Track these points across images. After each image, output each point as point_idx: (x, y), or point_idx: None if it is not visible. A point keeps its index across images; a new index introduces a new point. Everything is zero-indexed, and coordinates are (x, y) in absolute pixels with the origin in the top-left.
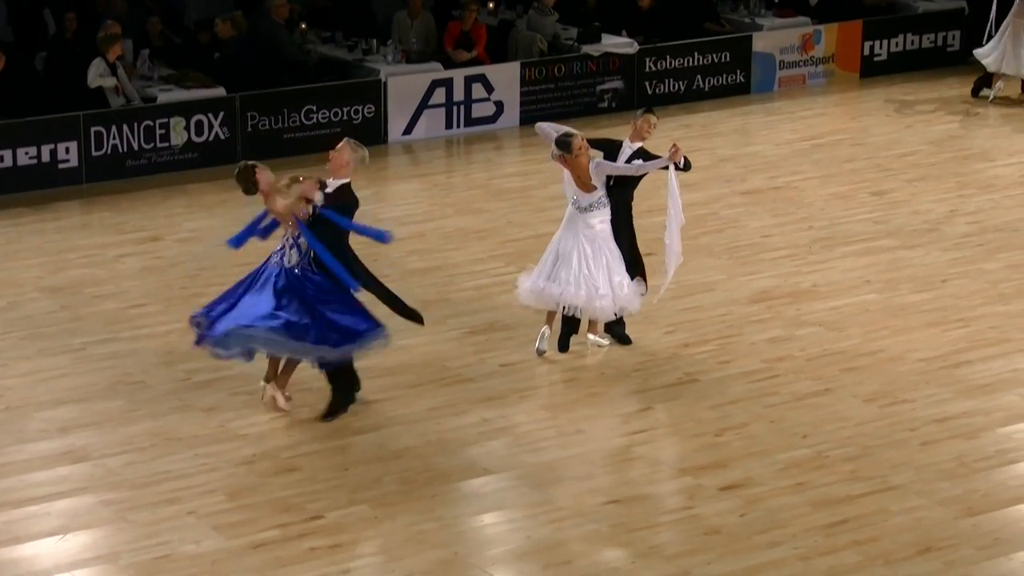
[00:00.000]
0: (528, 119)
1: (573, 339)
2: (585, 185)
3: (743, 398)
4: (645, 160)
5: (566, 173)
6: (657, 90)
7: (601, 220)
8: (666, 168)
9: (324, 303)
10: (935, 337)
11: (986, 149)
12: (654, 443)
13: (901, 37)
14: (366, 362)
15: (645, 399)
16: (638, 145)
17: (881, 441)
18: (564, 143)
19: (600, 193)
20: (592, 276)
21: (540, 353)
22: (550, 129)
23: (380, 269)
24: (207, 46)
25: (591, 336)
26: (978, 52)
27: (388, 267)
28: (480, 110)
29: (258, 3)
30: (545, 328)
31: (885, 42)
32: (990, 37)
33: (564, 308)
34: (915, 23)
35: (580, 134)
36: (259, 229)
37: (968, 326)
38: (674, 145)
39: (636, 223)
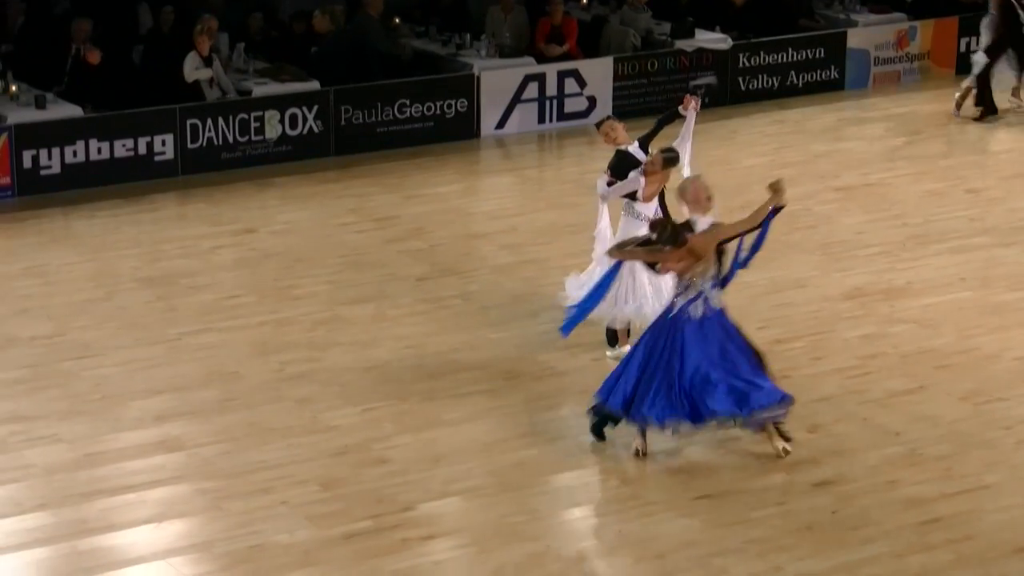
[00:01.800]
0: (621, 114)
1: None
2: (650, 197)
3: (835, 395)
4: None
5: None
6: (750, 86)
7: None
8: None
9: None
10: None
11: None
12: (747, 439)
13: None
14: (457, 356)
15: None
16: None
17: (975, 439)
18: (672, 159)
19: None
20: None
21: None
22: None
23: (471, 263)
24: (302, 37)
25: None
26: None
27: (479, 261)
28: (572, 105)
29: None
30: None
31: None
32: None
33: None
34: None
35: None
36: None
37: None
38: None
39: None
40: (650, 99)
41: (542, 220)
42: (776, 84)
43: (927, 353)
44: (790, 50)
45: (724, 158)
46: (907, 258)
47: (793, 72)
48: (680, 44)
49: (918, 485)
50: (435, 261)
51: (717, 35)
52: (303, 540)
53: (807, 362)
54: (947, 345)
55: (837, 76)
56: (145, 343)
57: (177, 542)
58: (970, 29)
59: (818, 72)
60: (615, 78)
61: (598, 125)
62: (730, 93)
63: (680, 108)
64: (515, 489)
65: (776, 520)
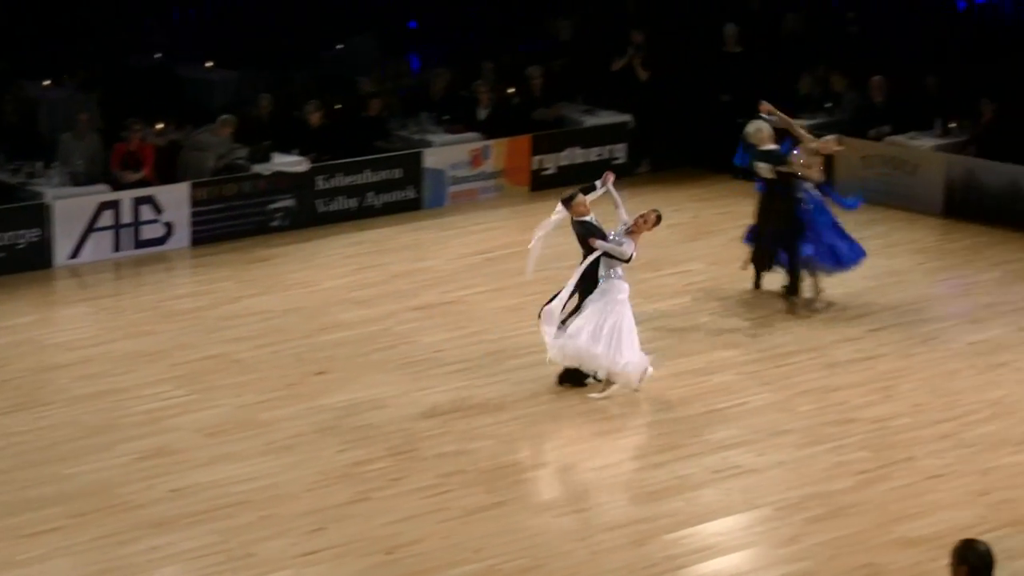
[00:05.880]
0: (199, 239)
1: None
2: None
3: (415, 515)
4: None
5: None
6: (329, 207)
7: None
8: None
9: None
10: (606, 445)
11: (655, 259)
12: (326, 564)
13: (568, 151)
14: (28, 495)
15: (317, 520)
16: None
17: (553, 551)
18: (564, 200)
19: None
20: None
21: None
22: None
23: (44, 397)
24: None
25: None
26: None
27: (53, 394)
28: (149, 231)
29: None
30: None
31: (553, 156)
32: None
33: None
34: (582, 137)
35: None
36: None
37: (638, 434)
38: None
39: None
40: (229, 224)
41: (119, 350)
42: (355, 205)
43: (506, 468)
44: (367, 171)
45: (304, 280)
46: (485, 374)
47: (371, 193)
48: (257, 168)
49: None
50: (6, 396)
51: (294, 158)
52: None
53: (387, 483)
54: (525, 459)
55: (414, 196)
56: None
57: None
58: (542, 148)
59: (396, 192)
60: (192, 203)
61: (569, 200)
62: (308, 215)
63: (599, 183)
64: None
65: None
